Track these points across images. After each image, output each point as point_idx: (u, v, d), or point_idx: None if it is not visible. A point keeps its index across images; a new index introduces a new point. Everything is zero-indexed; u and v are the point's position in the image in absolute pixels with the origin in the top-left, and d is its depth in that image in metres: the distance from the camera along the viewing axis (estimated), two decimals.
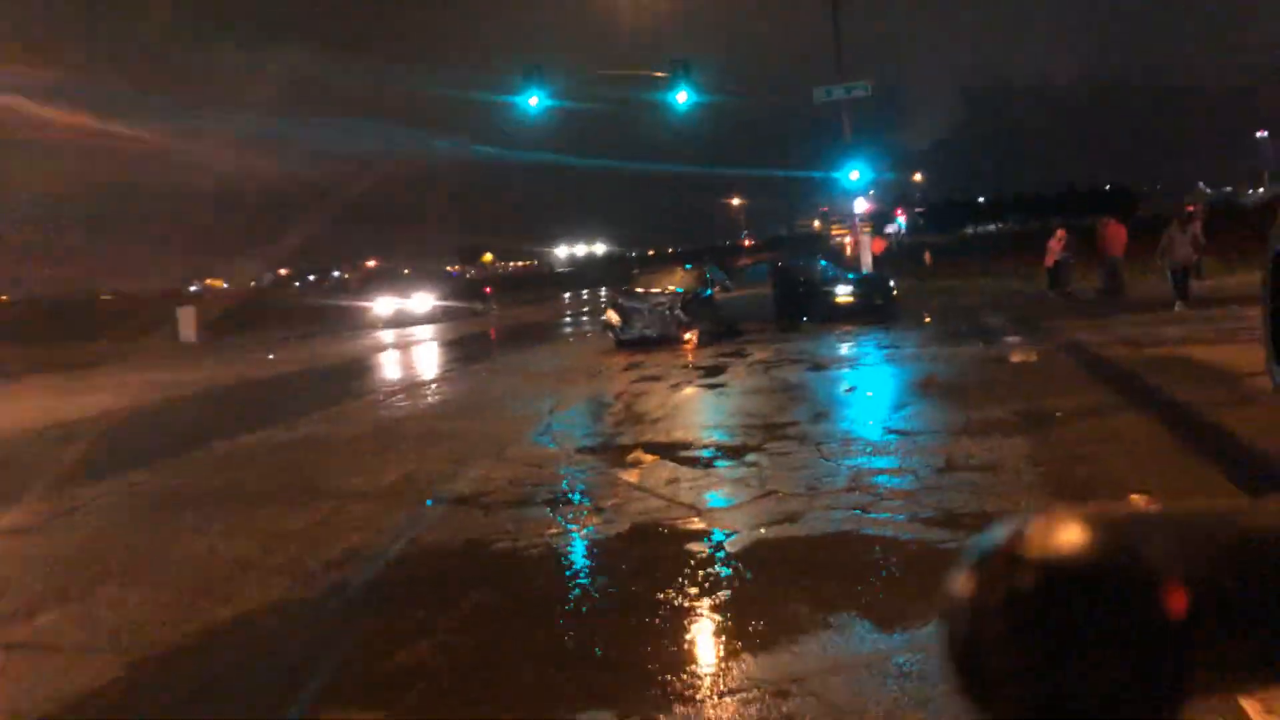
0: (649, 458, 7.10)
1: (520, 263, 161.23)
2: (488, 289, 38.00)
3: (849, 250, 28.38)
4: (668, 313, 15.51)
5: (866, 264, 25.55)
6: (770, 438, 7.40)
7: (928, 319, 17.38)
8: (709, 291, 16.90)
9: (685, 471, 6.51)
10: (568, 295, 51.83)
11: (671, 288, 16.64)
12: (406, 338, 24.49)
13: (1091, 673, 0.33)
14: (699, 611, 3.87)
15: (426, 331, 26.76)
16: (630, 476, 6.51)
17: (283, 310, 35.00)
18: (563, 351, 17.14)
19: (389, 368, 17.51)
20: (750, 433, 7.69)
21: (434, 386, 13.01)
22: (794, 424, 7.91)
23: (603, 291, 49.07)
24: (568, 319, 29.33)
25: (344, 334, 27.04)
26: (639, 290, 16.70)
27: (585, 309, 33.84)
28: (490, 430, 8.83)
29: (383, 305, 30.78)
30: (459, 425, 9.27)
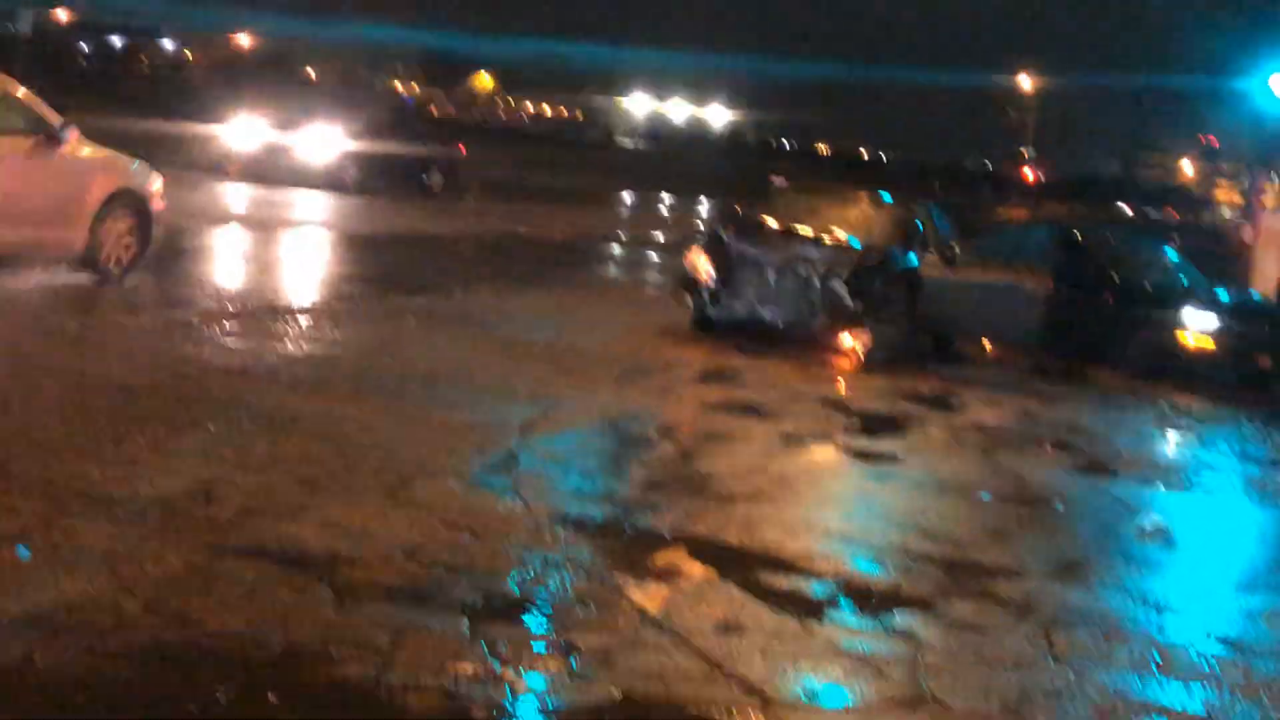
0: (697, 568, 7.26)
1: (551, 110, 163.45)
2: (462, 146, 38.24)
3: (1243, 242, 28.15)
4: (818, 282, 15.63)
5: (1267, 280, 25.30)
6: (957, 589, 7.51)
7: None
8: (913, 260, 16.92)
9: (763, 615, 6.66)
10: (631, 199, 52.29)
11: (839, 235, 16.75)
12: (274, 210, 25.26)
13: None
14: None
15: (319, 206, 27.61)
16: (649, 598, 6.68)
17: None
18: (587, 311, 17.36)
19: (223, 258, 18.12)
20: (919, 569, 7.81)
21: (304, 325, 13.37)
22: (1012, 573, 8.01)
23: (704, 208, 49.48)
24: (617, 249, 29.66)
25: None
26: (769, 226, 16.81)
27: (660, 237, 34.12)
28: (393, 437, 9.08)
29: (242, 134, 31.43)
30: (334, 412, 9.58)
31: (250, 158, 30.95)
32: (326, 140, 31.76)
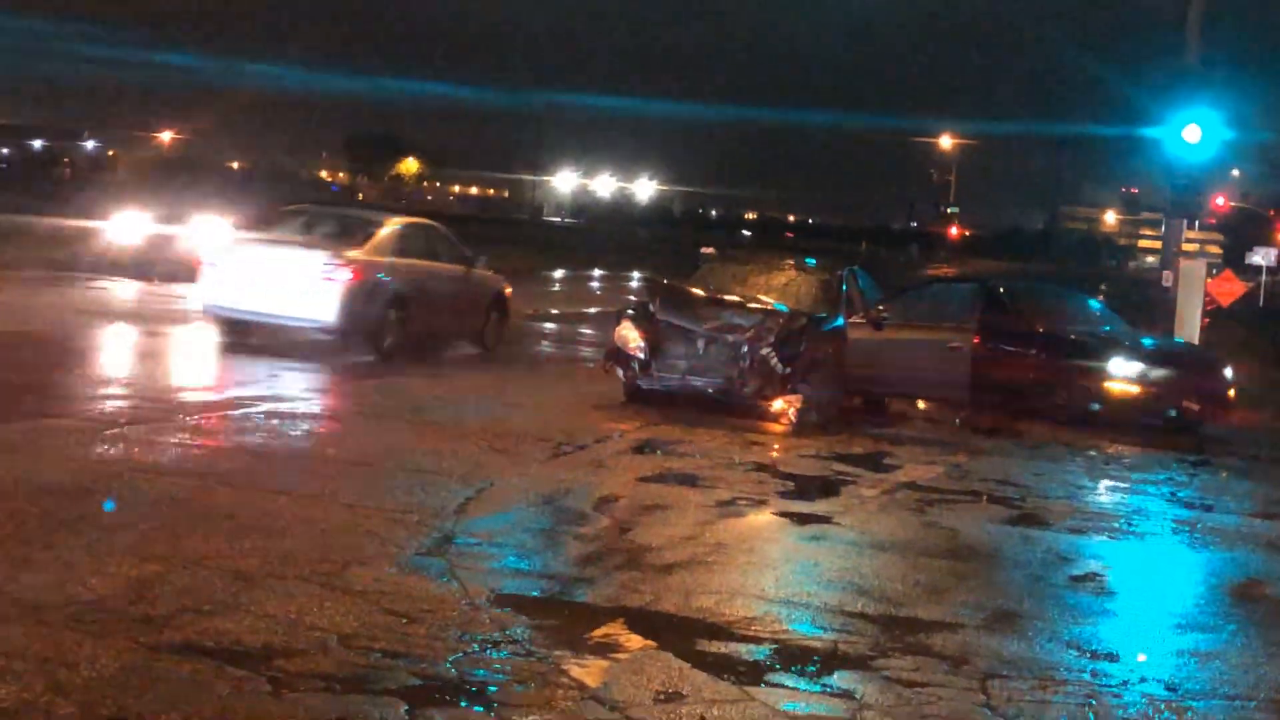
0: (635, 640, 7.28)
1: (478, 190, 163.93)
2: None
3: (1164, 288, 28.52)
4: (747, 349, 15.77)
5: (1190, 323, 25.69)
6: (894, 646, 7.58)
7: None
8: (839, 322, 17.10)
9: (702, 683, 6.69)
10: (561, 275, 52.37)
11: (767, 301, 16.89)
12: (160, 305, 24.51)
13: None
14: None
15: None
16: (588, 672, 6.71)
17: None
18: (520, 389, 17.39)
19: (138, 356, 18.07)
20: (856, 628, 7.88)
21: (232, 418, 13.32)
22: (948, 627, 8.08)
23: (634, 281, 49.67)
24: (548, 325, 29.69)
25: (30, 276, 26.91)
26: (697, 296, 16.95)
27: (591, 311, 34.17)
28: (326, 527, 9.08)
29: (125, 229, 30.54)
30: (266, 504, 9.57)
31: (133, 252, 29.87)
32: (214, 231, 29.91)
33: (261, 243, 19.39)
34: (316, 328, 18.53)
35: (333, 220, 20.37)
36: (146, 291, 26.52)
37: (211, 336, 19.22)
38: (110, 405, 13.16)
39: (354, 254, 18.56)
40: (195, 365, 17.79)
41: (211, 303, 18.91)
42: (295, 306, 18.10)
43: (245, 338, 18.87)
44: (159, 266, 29.17)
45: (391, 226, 19.78)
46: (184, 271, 28.99)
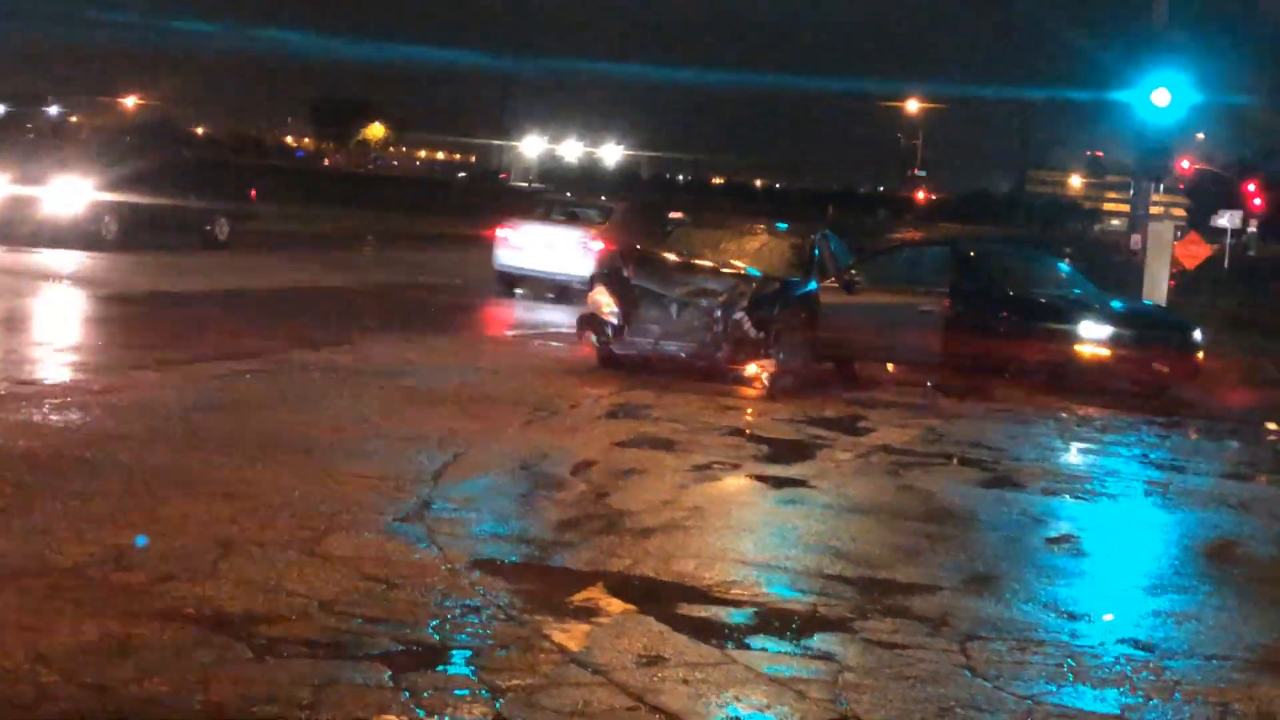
0: (615, 603, 7.30)
1: (444, 155, 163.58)
2: (254, 192, 36.10)
3: (1131, 251, 28.64)
4: (720, 313, 15.78)
5: (1158, 286, 25.86)
6: (873, 608, 7.62)
7: (1274, 425, 17.43)
8: (812, 286, 17.12)
9: (683, 645, 6.72)
10: None
11: (739, 265, 16.91)
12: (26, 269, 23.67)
13: None
14: None
15: (77, 264, 25.24)
16: (569, 636, 6.72)
17: None
18: (493, 355, 17.36)
19: (69, 322, 17.95)
20: (835, 591, 7.91)
21: (205, 384, 13.27)
22: (926, 589, 8.12)
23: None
24: (519, 290, 29.65)
25: None
26: (669, 261, 16.96)
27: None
28: (304, 493, 9.07)
29: None
30: (243, 470, 9.56)
31: None
32: (77, 192, 28.79)
33: (536, 222, 27.20)
34: (579, 282, 23.50)
35: (576, 205, 28.57)
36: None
37: (79, 297, 20.70)
38: (70, 372, 13.09)
39: (601, 230, 26.19)
40: (124, 331, 17.63)
41: (503, 264, 27.01)
42: (565, 267, 25.65)
43: (517, 287, 26.82)
44: (20, 229, 27.52)
45: (620, 209, 27.85)
46: (44, 235, 27.48)
